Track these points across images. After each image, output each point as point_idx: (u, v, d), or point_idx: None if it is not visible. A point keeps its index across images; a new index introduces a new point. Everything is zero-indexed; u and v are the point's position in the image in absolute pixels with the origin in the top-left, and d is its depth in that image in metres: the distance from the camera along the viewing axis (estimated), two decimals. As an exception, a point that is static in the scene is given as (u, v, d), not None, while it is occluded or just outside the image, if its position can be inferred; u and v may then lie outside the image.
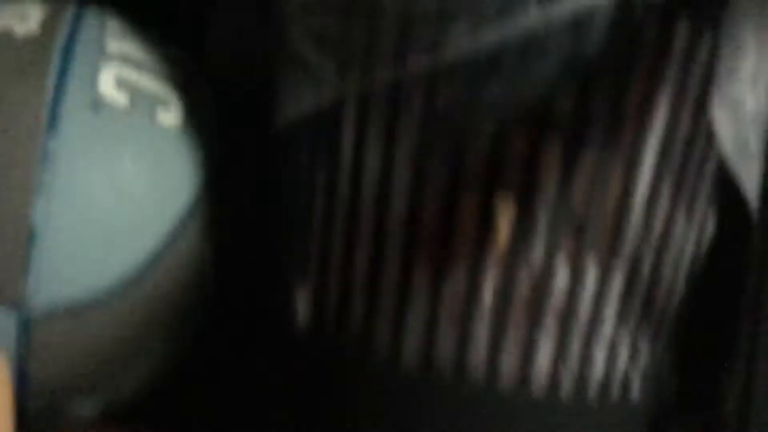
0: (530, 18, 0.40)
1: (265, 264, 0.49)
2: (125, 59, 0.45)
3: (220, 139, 0.48)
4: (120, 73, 0.45)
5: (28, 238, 0.42)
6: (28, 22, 0.45)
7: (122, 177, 0.43)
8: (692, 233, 0.46)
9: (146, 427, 0.49)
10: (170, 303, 0.45)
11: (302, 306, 0.46)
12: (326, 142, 0.45)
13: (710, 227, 0.47)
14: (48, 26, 0.45)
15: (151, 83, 0.45)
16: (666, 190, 0.44)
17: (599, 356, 0.44)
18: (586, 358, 0.44)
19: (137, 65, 0.46)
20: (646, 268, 0.44)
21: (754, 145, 0.40)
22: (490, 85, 0.41)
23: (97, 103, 0.43)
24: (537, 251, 0.43)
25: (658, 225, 0.44)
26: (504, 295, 0.43)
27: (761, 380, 0.28)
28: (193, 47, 0.52)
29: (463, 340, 0.43)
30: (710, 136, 0.43)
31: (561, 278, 0.43)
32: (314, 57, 0.44)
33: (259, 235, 0.49)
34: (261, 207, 0.49)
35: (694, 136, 0.43)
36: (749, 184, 0.42)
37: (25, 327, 0.42)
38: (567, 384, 0.44)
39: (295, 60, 0.45)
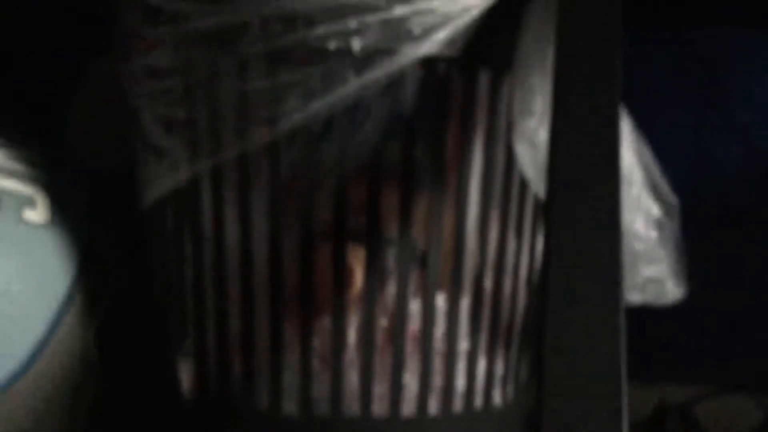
0: (351, 85, 0.45)
1: (147, 339, 0.52)
2: None
3: (90, 227, 0.51)
4: None
5: None
6: None
7: None
8: (524, 250, 0.52)
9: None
10: (58, 388, 0.47)
11: (185, 374, 0.50)
12: (188, 216, 0.49)
13: (540, 243, 0.53)
14: None
15: (16, 185, 0.48)
16: (494, 217, 0.49)
17: (459, 371, 0.49)
18: (447, 375, 0.49)
19: (0, 170, 0.49)
20: (488, 286, 0.50)
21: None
22: (326, 146, 0.46)
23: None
24: (389, 286, 0.48)
25: (491, 248, 0.50)
26: (366, 332, 0.47)
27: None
28: (56, 143, 0.55)
29: (336, 379, 0.47)
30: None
31: (414, 306, 0.48)
32: (165, 142, 0.48)
33: (138, 312, 0.52)
34: (136, 286, 0.52)
35: (511, 168, 0.49)
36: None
37: None
38: (433, 400, 0.48)
39: (149, 146, 0.49)
